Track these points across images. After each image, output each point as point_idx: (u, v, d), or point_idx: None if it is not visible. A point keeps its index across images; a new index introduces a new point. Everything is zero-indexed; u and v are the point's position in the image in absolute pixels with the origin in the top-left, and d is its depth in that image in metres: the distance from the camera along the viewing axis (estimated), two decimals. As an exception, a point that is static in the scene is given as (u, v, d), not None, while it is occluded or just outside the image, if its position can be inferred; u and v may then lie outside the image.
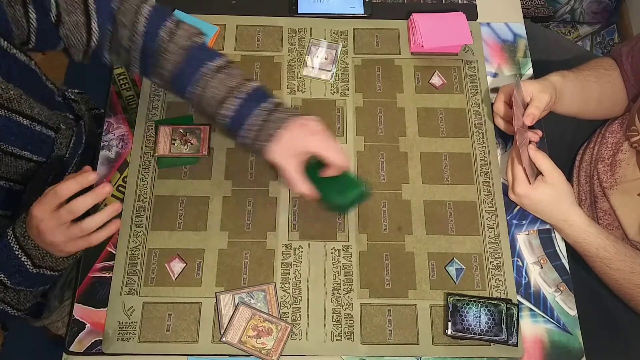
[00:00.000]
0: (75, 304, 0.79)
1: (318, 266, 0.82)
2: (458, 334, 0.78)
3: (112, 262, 0.81)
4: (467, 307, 0.79)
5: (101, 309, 0.79)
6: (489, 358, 0.78)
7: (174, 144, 0.87)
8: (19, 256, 0.67)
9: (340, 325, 0.79)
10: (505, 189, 0.88)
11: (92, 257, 0.82)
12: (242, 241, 0.84)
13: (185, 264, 0.82)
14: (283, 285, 0.81)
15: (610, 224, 0.90)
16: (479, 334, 0.78)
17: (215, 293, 0.80)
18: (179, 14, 0.98)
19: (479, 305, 0.79)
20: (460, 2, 1.05)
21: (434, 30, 0.97)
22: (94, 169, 0.88)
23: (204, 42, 0.76)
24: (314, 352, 0.78)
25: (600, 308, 0.93)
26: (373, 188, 0.87)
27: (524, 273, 0.84)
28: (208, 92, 0.73)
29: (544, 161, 0.79)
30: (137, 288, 0.80)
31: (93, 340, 0.77)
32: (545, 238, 0.86)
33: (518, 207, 0.88)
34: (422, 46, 0.96)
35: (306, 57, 0.98)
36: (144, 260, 0.82)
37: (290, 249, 0.83)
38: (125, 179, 0.87)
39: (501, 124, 0.89)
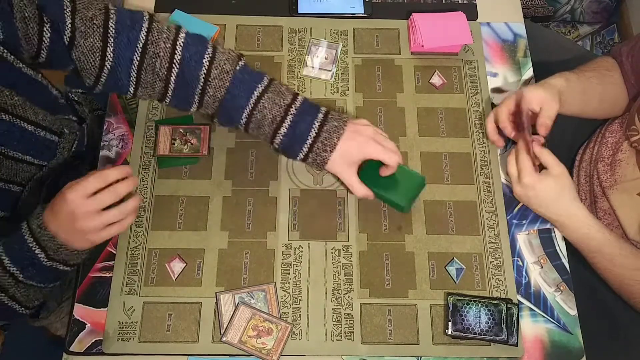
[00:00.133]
0: (76, 304, 0.79)
1: (318, 266, 0.82)
2: (458, 333, 0.78)
3: (113, 262, 0.81)
4: (467, 306, 0.79)
5: (101, 309, 0.79)
6: (489, 358, 0.78)
7: (174, 144, 0.87)
8: (33, 248, 0.67)
9: (340, 325, 0.79)
10: (506, 189, 0.88)
11: (92, 257, 0.81)
12: (242, 241, 0.84)
13: (185, 264, 0.82)
14: (283, 285, 0.81)
15: (610, 224, 0.90)
16: (479, 334, 0.78)
17: (216, 293, 0.80)
18: (178, 14, 0.98)
19: (479, 305, 0.79)
20: (460, 2, 1.05)
21: (434, 30, 0.97)
22: (94, 169, 0.88)
23: (245, 64, 0.77)
24: (314, 352, 0.78)
25: (601, 308, 0.93)
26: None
27: (524, 273, 0.84)
28: (260, 113, 0.75)
29: (548, 157, 0.80)
30: (138, 288, 0.80)
31: (93, 340, 0.77)
32: (546, 238, 0.86)
33: (518, 207, 0.88)
34: (422, 46, 0.96)
35: (306, 57, 0.98)
36: (144, 260, 0.82)
37: (291, 248, 0.83)
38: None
39: (493, 134, 0.87)
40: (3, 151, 0.69)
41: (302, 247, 0.84)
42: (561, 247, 0.86)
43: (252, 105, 0.75)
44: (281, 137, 0.76)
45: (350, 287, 0.81)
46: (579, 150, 1.03)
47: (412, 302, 0.81)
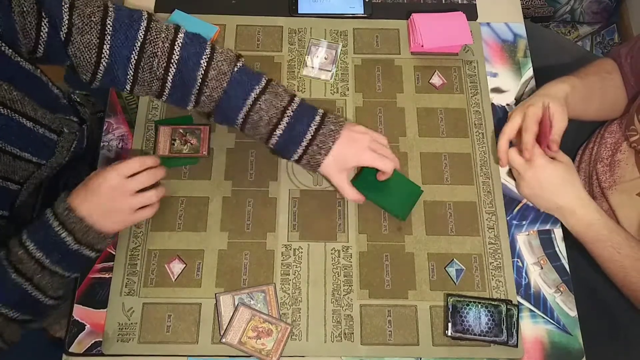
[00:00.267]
0: (75, 305, 0.79)
1: (318, 267, 0.82)
2: (458, 334, 0.78)
3: (112, 262, 0.81)
4: (467, 307, 0.79)
5: (101, 310, 0.79)
6: (489, 359, 0.78)
7: (173, 144, 0.87)
8: (59, 232, 0.68)
9: (340, 326, 0.79)
10: (506, 189, 0.88)
11: (92, 258, 0.81)
12: (242, 242, 0.83)
13: (185, 265, 0.82)
14: (283, 286, 0.81)
15: (610, 224, 0.90)
16: (479, 335, 0.78)
17: (215, 294, 0.80)
18: (178, 14, 0.98)
19: (479, 306, 0.79)
20: (460, 2, 1.05)
21: (434, 30, 0.97)
22: (94, 169, 0.88)
23: (243, 64, 0.77)
24: (314, 352, 0.78)
25: (600, 308, 0.93)
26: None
27: (524, 274, 0.84)
28: (257, 114, 0.75)
29: (556, 149, 0.81)
30: (137, 289, 0.80)
31: (93, 341, 0.77)
32: (545, 239, 0.86)
33: (518, 208, 0.88)
34: (422, 46, 0.96)
35: (306, 57, 0.98)
36: (143, 261, 0.82)
37: (290, 249, 0.83)
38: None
39: (504, 153, 0.85)
40: (1, 146, 0.69)
41: (302, 248, 0.83)
42: (561, 248, 0.85)
43: (249, 106, 0.75)
44: (277, 138, 0.76)
45: (350, 288, 0.81)
46: (578, 151, 1.03)
47: (412, 303, 0.81)
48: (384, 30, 1.01)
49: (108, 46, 0.72)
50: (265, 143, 0.78)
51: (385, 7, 1.03)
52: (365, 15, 1.01)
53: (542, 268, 0.84)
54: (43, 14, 0.68)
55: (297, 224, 0.85)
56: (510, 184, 0.89)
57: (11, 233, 0.74)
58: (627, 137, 0.88)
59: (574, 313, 0.82)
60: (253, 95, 0.74)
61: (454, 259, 0.83)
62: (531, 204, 0.87)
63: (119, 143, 0.90)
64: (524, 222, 0.87)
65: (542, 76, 0.96)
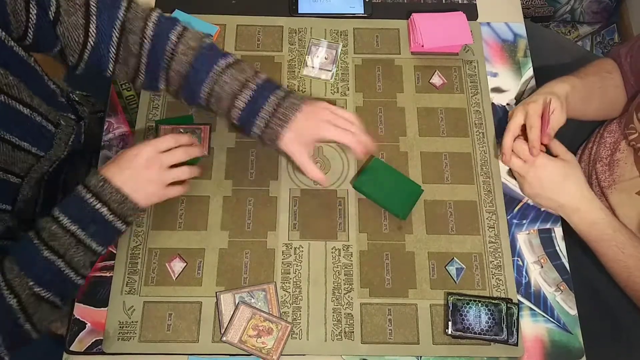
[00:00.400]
0: (76, 304, 0.79)
1: (318, 266, 0.83)
2: (458, 333, 0.78)
3: (113, 261, 0.81)
4: (468, 306, 0.79)
5: (102, 309, 0.79)
6: (489, 357, 0.78)
7: (174, 144, 0.87)
8: (94, 204, 0.69)
9: (340, 325, 0.79)
10: (506, 189, 0.88)
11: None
12: (242, 241, 0.84)
13: (185, 264, 0.82)
14: (283, 285, 0.81)
15: (610, 224, 0.90)
16: (479, 334, 0.78)
17: (216, 292, 0.80)
18: (178, 14, 0.98)
19: (479, 304, 0.79)
20: (460, 2, 1.05)
21: (434, 30, 0.97)
22: (95, 167, 0.88)
23: (212, 42, 0.78)
24: (315, 351, 0.78)
25: (601, 307, 0.93)
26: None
27: (524, 272, 0.84)
28: (220, 88, 0.75)
29: (559, 146, 0.82)
30: (138, 288, 0.80)
31: (93, 340, 0.77)
32: (546, 237, 0.86)
33: (518, 207, 0.88)
34: (422, 46, 0.97)
35: (306, 57, 0.98)
36: (144, 259, 0.82)
37: (291, 248, 0.83)
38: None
39: (509, 149, 0.84)
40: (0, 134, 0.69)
41: (302, 247, 0.84)
42: (561, 247, 0.86)
43: (214, 79, 0.75)
44: (239, 112, 0.76)
45: (350, 286, 0.81)
46: (578, 150, 1.04)
47: (412, 301, 0.81)
48: (384, 30, 1.01)
49: (94, 25, 0.74)
50: (228, 117, 0.78)
51: (385, 7, 1.04)
52: (366, 15, 1.02)
53: (542, 267, 0.84)
54: None
55: (297, 222, 0.85)
56: (511, 183, 0.89)
57: (15, 228, 0.75)
58: (626, 136, 0.88)
59: (574, 312, 0.82)
60: (218, 68, 0.75)
61: (455, 258, 0.84)
62: (532, 203, 0.88)
63: (120, 143, 0.90)
64: (524, 221, 0.87)
65: (542, 76, 0.96)
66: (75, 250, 0.69)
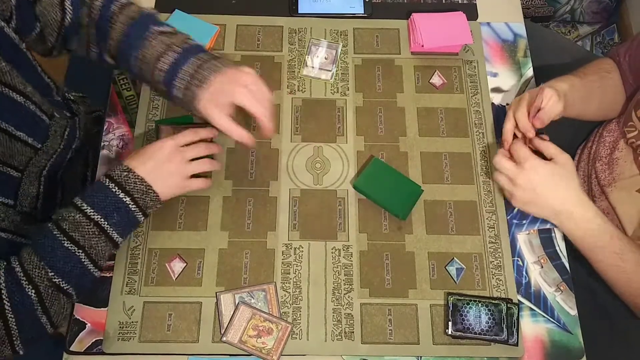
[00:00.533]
0: (76, 304, 0.79)
1: (318, 266, 0.83)
2: (458, 333, 0.78)
3: (113, 262, 0.81)
4: (468, 306, 0.79)
5: (102, 309, 0.79)
6: (490, 357, 0.78)
7: (174, 144, 0.87)
8: (118, 194, 0.70)
9: (340, 325, 0.79)
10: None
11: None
12: (242, 241, 0.84)
13: (185, 264, 0.82)
14: (283, 285, 0.81)
15: (609, 223, 0.90)
16: (480, 334, 0.78)
17: (216, 293, 0.80)
18: (178, 14, 0.98)
19: (480, 304, 0.79)
20: (460, 2, 1.05)
21: (434, 30, 0.97)
22: (94, 168, 0.88)
23: (154, 13, 0.80)
24: (315, 351, 0.78)
25: (601, 307, 0.93)
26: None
27: (524, 273, 0.84)
28: (148, 52, 0.76)
29: (552, 147, 0.78)
30: (138, 288, 0.80)
31: (93, 340, 0.77)
32: (546, 238, 0.86)
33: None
34: (422, 46, 0.97)
35: (306, 57, 0.98)
36: (144, 260, 0.82)
37: (291, 248, 0.83)
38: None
39: (509, 135, 0.84)
40: None
41: (302, 247, 0.84)
42: (561, 247, 0.86)
43: (144, 44, 0.76)
44: (162, 73, 0.76)
45: (350, 287, 0.81)
46: (577, 150, 1.04)
47: (413, 302, 0.81)
48: (384, 30, 1.01)
49: (69, 2, 0.76)
50: (154, 82, 0.78)
51: (385, 7, 1.04)
52: (366, 15, 1.02)
53: (542, 267, 0.84)
54: None
55: (297, 223, 0.85)
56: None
57: (19, 223, 0.75)
58: (625, 134, 0.88)
59: (574, 312, 0.82)
60: (149, 34, 0.76)
61: (455, 258, 0.84)
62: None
63: (120, 143, 0.90)
64: (524, 221, 0.87)
65: (542, 76, 0.96)
66: (97, 240, 0.70)
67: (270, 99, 0.77)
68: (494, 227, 0.86)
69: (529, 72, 0.98)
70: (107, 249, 0.72)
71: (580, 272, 0.88)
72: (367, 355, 0.78)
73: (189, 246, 0.83)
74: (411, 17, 0.99)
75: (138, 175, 0.71)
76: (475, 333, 0.78)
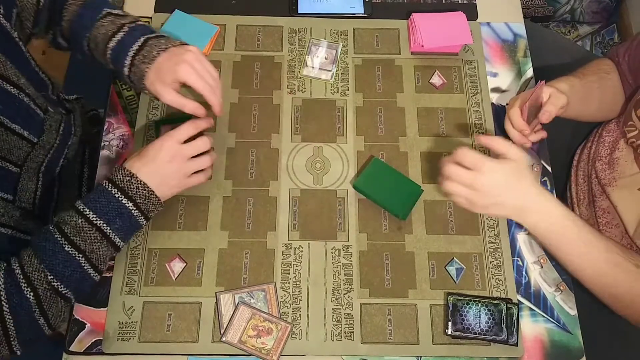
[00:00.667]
0: (76, 304, 0.79)
1: (318, 266, 0.83)
2: (458, 333, 0.78)
3: (112, 262, 0.81)
4: (467, 306, 0.79)
5: (101, 309, 0.79)
6: (489, 357, 0.78)
7: (174, 144, 0.87)
8: (120, 199, 0.70)
9: (340, 325, 0.79)
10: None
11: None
12: (242, 241, 0.84)
13: (185, 264, 0.82)
14: (283, 285, 0.81)
15: (609, 222, 0.90)
16: (479, 334, 0.78)
17: (216, 293, 0.80)
18: (178, 14, 0.98)
19: (479, 304, 0.79)
20: (460, 2, 1.05)
21: (434, 30, 0.97)
22: (94, 168, 0.88)
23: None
24: (314, 351, 0.78)
25: (601, 307, 0.93)
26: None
27: (524, 272, 0.84)
28: (100, 32, 0.78)
29: (503, 143, 0.74)
30: (138, 288, 0.80)
31: (93, 340, 0.77)
32: (546, 238, 0.86)
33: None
34: (422, 46, 0.96)
35: (306, 57, 0.98)
36: (144, 260, 0.82)
37: (291, 248, 0.83)
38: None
39: (515, 135, 0.83)
40: None
41: (302, 247, 0.84)
42: (561, 247, 0.85)
43: (95, 25, 0.78)
44: (111, 52, 0.78)
45: (350, 287, 0.81)
46: (577, 150, 1.04)
47: (412, 302, 0.81)
48: (384, 30, 1.01)
49: None
50: (105, 61, 0.80)
51: (385, 7, 1.03)
52: (365, 15, 1.02)
53: (542, 267, 0.84)
54: None
55: (297, 223, 0.85)
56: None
57: (18, 219, 0.75)
58: (625, 134, 0.88)
59: (574, 312, 0.82)
60: (100, 15, 0.78)
61: (454, 258, 0.84)
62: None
63: (120, 143, 0.90)
64: (524, 221, 0.87)
65: (542, 76, 0.95)
66: (99, 245, 0.70)
67: (215, 76, 0.78)
68: (493, 227, 0.86)
69: (529, 72, 0.98)
70: (108, 253, 0.72)
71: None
72: (366, 355, 0.78)
73: (189, 246, 0.83)
74: (411, 17, 0.99)
75: (140, 181, 0.71)
76: (475, 333, 0.78)
